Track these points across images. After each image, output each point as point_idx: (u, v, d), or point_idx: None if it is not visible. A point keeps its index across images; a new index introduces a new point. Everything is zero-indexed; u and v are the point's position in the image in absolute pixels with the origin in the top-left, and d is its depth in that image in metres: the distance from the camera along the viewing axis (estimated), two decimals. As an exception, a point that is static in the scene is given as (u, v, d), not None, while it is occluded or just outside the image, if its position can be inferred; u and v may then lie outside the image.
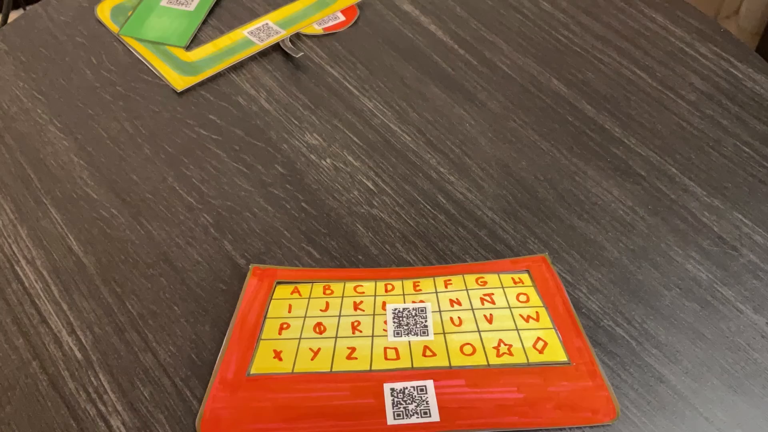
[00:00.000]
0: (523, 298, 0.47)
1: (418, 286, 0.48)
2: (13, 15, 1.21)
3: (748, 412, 0.42)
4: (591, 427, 0.41)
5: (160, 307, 0.47)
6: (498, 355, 0.44)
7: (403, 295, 0.47)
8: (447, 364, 0.43)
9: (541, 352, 0.44)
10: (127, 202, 0.53)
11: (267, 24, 0.67)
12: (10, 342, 0.46)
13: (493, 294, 0.47)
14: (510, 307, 0.47)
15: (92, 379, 0.44)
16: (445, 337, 0.45)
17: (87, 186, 0.54)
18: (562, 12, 0.69)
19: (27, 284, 0.49)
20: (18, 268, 0.49)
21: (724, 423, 0.42)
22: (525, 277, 0.49)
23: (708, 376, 0.44)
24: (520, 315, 0.46)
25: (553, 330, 0.45)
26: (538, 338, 0.45)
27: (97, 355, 0.45)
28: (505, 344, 0.44)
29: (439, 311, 0.46)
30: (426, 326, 0.46)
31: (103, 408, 0.43)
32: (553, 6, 0.69)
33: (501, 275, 0.49)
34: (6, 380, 0.44)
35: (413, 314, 0.46)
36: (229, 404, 0.42)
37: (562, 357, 0.44)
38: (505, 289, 0.48)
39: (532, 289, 0.48)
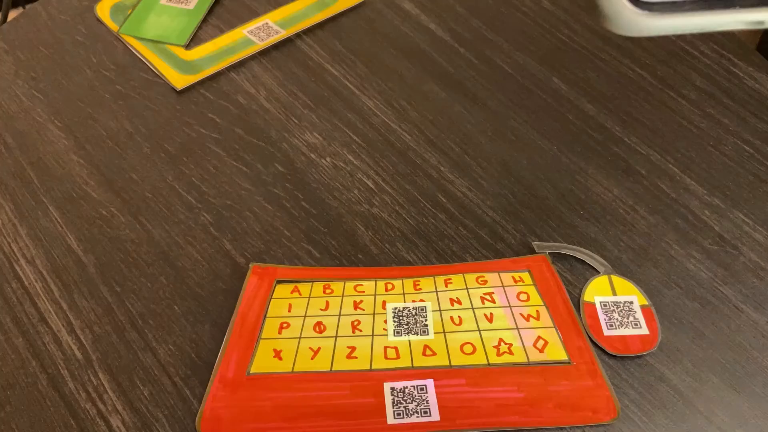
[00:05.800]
0: (523, 296, 0.47)
1: (418, 285, 0.48)
2: (13, 14, 1.20)
3: (748, 412, 0.42)
4: (591, 426, 0.41)
5: (160, 306, 0.47)
6: (498, 354, 0.44)
7: (403, 294, 0.47)
8: (447, 364, 0.43)
9: (541, 351, 0.44)
10: (126, 201, 0.53)
11: (267, 23, 0.67)
12: (10, 341, 0.46)
13: (493, 293, 0.47)
14: (510, 306, 0.47)
15: (92, 378, 0.44)
16: (445, 336, 0.45)
17: (86, 185, 0.54)
18: (563, 10, 0.69)
19: (26, 283, 0.49)
20: (17, 267, 0.49)
21: (725, 422, 0.42)
22: (525, 275, 0.48)
23: (708, 375, 0.44)
24: (521, 314, 0.46)
25: (554, 329, 0.45)
26: (539, 337, 0.45)
27: (97, 354, 0.45)
28: (506, 343, 0.44)
29: (439, 310, 0.46)
30: (426, 325, 0.46)
31: (102, 407, 0.43)
32: (553, 4, 0.69)
33: (501, 274, 0.49)
34: (5, 380, 0.44)
35: (413, 313, 0.46)
36: (229, 403, 0.42)
37: (562, 356, 0.44)
38: (506, 287, 0.48)
39: (533, 287, 0.48)
